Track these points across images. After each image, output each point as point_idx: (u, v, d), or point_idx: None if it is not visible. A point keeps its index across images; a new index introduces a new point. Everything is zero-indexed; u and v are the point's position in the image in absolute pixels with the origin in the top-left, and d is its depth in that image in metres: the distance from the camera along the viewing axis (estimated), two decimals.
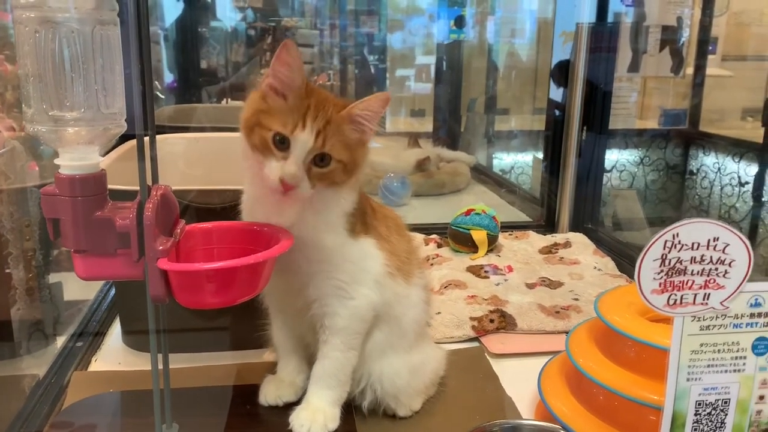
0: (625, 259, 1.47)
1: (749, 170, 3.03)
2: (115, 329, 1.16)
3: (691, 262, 0.60)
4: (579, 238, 1.57)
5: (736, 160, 3.11)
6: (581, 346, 0.90)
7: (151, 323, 0.72)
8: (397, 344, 0.89)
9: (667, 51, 3.56)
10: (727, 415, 0.65)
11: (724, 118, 3.55)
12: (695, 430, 0.65)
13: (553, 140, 1.73)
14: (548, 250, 1.51)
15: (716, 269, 0.60)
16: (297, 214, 0.79)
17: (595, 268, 1.41)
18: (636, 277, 0.60)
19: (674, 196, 3.38)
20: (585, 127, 1.68)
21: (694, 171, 3.37)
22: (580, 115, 1.67)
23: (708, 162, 3.29)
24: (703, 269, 0.60)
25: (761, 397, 0.65)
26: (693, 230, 0.59)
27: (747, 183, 3.02)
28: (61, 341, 1.12)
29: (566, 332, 1.15)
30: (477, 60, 3.20)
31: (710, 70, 3.43)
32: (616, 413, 0.82)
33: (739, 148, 3.10)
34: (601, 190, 1.75)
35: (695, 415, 0.64)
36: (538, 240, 1.58)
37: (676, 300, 0.61)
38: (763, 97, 3.40)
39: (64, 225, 0.69)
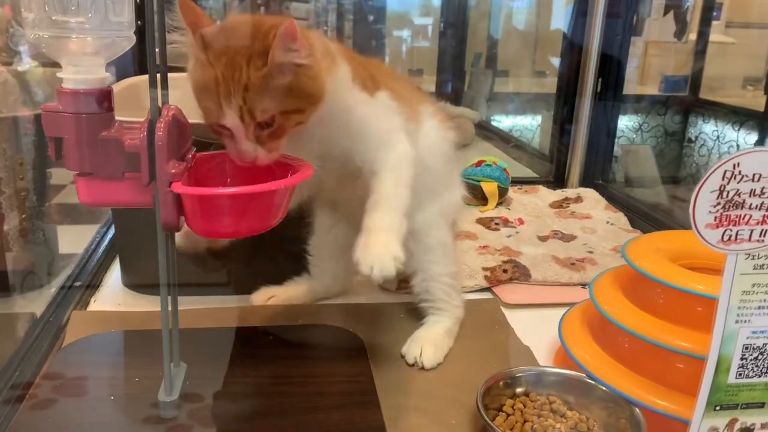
0: (638, 215, 1.43)
1: (749, 139, 3.00)
2: (114, 271, 1.11)
3: (750, 195, 0.56)
4: (590, 194, 1.53)
5: (736, 129, 3.08)
6: (606, 293, 0.86)
7: (161, 257, 0.68)
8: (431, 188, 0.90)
9: (671, 16, 3.50)
10: None
11: (725, 85, 3.51)
12: (740, 375, 0.61)
13: (565, 97, 1.69)
14: (559, 205, 1.47)
15: None
16: (315, 133, 0.76)
17: (607, 222, 1.38)
18: (691, 210, 0.56)
19: (672, 163, 3.35)
20: (600, 83, 1.63)
21: (693, 138, 3.34)
22: (595, 72, 1.62)
23: (707, 130, 3.25)
24: (762, 203, 0.56)
25: None
26: (756, 160, 0.55)
27: None
28: (57, 282, 1.07)
29: (582, 284, 1.12)
30: (481, 20, 3.14)
31: (713, 37, 3.37)
32: (643, 360, 0.79)
33: (739, 116, 3.07)
34: (613, 146, 1.71)
35: (741, 359, 0.61)
36: (548, 194, 1.54)
37: (731, 236, 0.57)
38: (764, 66, 3.37)
39: (67, 145, 0.63)
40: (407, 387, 0.83)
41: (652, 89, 3.42)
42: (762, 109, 2.99)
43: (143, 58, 1.60)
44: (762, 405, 0.63)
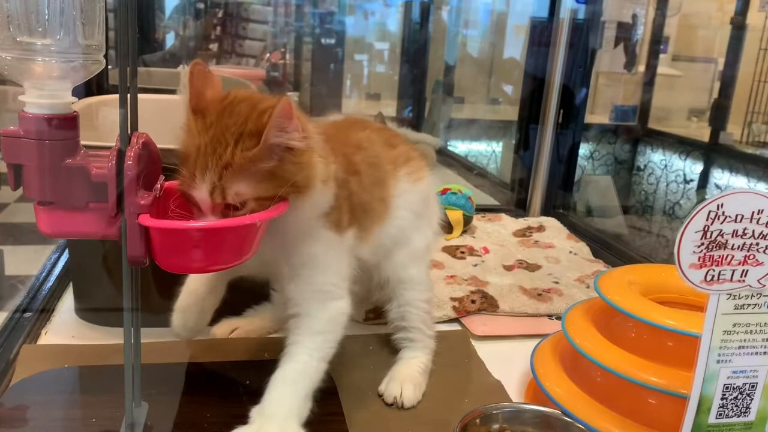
0: (600, 245, 1.45)
1: (695, 168, 3.11)
2: (67, 301, 1.06)
3: (732, 236, 0.56)
4: (552, 223, 1.54)
5: (683, 158, 3.18)
6: (578, 326, 0.86)
7: (126, 293, 0.64)
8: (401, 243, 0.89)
9: (621, 48, 3.62)
10: (752, 399, 0.61)
11: (672, 116, 3.64)
12: (720, 415, 0.61)
13: (527, 127, 1.71)
14: (522, 234, 1.48)
15: (757, 244, 0.57)
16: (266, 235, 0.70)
17: (570, 252, 1.39)
18: (676, 250, 0.56)
19: (622, 191, 3.43)
20: (561, 113, 1.66)
21: (642, 167, 3.44)
22: (557, 102, 1.65)
23: (655, 159, 3.36)
24: (744, 243, 0.57)
25: None
26: (738, 201, 0.55)
27: (692, 180, 3.09)
28: (3, 315, 1.01)
29: (549, 315, 1.12)
30: (438, 47, 3.17)
31: (661, 69, 3.50)
32: (616, 395, 0.79)
33: (685, 146, 3.17)
34: (575, 175, 1.73)
35: (722, 399, 0.61)
36: (511, 223, 1.54)
37: (713, 276, 0.57)
38: (707, 98, 3.50)
39: (28, 172, 0.60)
40: (380, 425, 0.80)
41: (603, 118, 3.52)
42: (707, 139, 3.10)
43: (98, 78, 1.56)
44: None
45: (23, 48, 0.57)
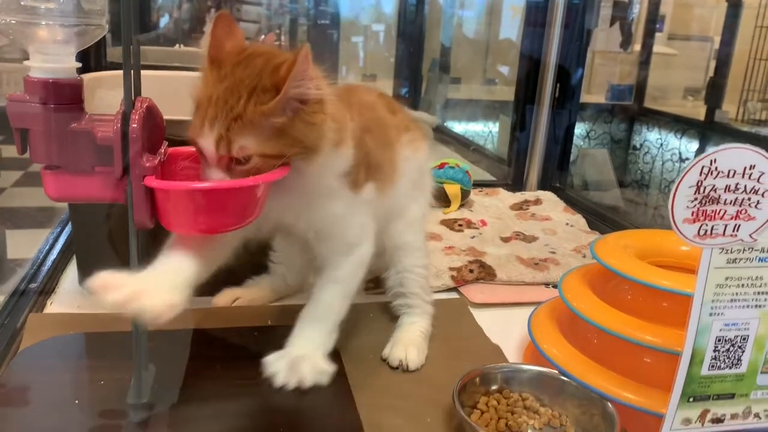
0: (596, 217, 1.46)
1: (690, 146, 3.12)
2: (70, 273, 1.07)
3: (725, 191, 0.58)
4: (548, 196, 1.56)
5: (678, 137, 3.19)
6: (575, 290, 0.88)
7: (132, 256, 0.65)
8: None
9: (617, 26, 3.61)
10: (744, 351, 0.63)
11: (668, 95, 3.64)
12: (713, 367, 0.63)
13: (523, 106, 1.72)
14: (519, 207, 1.50)
15: (749, 199, 0.58)
16: (285, 197, 0.72)
17: (567, 224, 1.40)
18: (670, 205, 0.58)
19: (617, 170, 3.45)
20: (558, 90, 1.67)
21: (638, 146, 3.45)
22: (553, 81, 1.66)
23: (651, 138, 3.36)
24: (736, 198, 0.58)
25: None
26: (731, 156, 0.57)
27: (687, 159, 3.10)
28: (11, 284, 1.02)
29: (545, 284, 1.14)
30: (434, 28, 3.17)
31: (657, 48, 3.50)
32: (612, 355, 0.80)
33: (681, 124, 3.18)
34: (570, 151, 1.75)
35: (714, 351, 0.62)
36: (508, 197, 1.56)
37: (706, 230, 0.59)
38: (703, 77, 3.51)
39: (34, 137, 0.61)
40: (381, 387, 0.82)
41: (599, 98, 3.52)
42: (702, 118, 3.11)
43: (96, 54, 1.56)
44: (732, 396, 0.65)
45: (27, 12, 0.58)
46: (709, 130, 3.06)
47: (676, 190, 0.57)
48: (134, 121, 0.60)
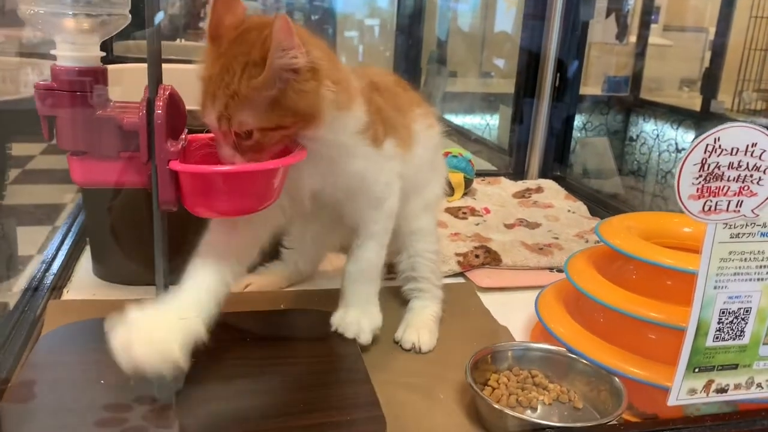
0: (597, 204, 1.49)
1: (686, 137, 3.15)
2: (84, 262, 1.09)
3: (728, 168, 0.60)
4: (550, 184, 1.58)
5: (675, 128, 3.21)
6: (581, 270, 0.90)
7: (157, 239, 0.68)
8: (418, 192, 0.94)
9: (612, 18, 3.63)
10: (747, 323, 0.66)
11: (663, 86, 3.66)
12: (717, 338, 0.66)
13: (523, 95, 1.75)
14: (521, 195, 1.52)
15: (751, 176, 0.61)
16: (310, 166, 0.74)
17: (568, 211, 1.43)
18: (676, 181, 0.60)
19: (615, 161, 3.47)
20: (558, 80, 1.70)
21: (634, 137, 3.47)
22: (553, 72, 1.69)
23: (647, 129, 3.39)
24: (739, 175, 0.61)
25: None
26: (733, 134, 0.59)
27: (684, 149, 3.12)
28: (24, 276, 1.04)
29: (550, 268, 1.17)
30: (430, 21, 3.19)
31: (652, 39, 3.52)
32: (617, 332, 0.83)
33: (677, 115, 3.20)
34: (571, 140, 1.78)
35: (718, 323, 0.65)
36: (510, 186, 1.58)
37: (711, 206, 0.61)
38: (699, 68, 3.53)
39: (61, 123, 0.63)
40: (393, 366, 0.85)
41: (595, 89, 3.54)
42: (698, 108, 3.14)
43: (104, 48, 1.58)
44: (735, 366, 0.68)
45: (55, 2, 0.60)
46: (705, 121, 3.08)
47: (681, 168, 0.59)
48: (159, 107, 0.62)
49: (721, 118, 3.04)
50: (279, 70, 0.65)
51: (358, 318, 0.84)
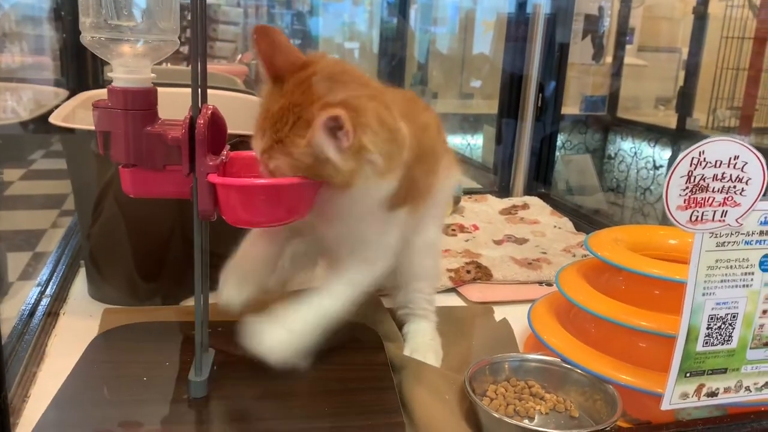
0: (581, 219, 1.53)
1: (663, 154, 3.22)
2: (78, 284, 1.10)
3: (713, 180, 0.64)
4: (535, 201, 1.62)
5: (652, 145, 3.29)
6: (572, 282, 0.93)
7: (197, 249, 0.71)
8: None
9: (588, 39, 3.71)
10: (734, 328, 0.69)
11: (640, 105, 3.74)
12: (706, 343, 0.68)
13: (507, 112, 1.80)
14: (508, 212, 1.55)
15: (734, 187, 0.64)
16: (325, 210, 0.75)
17: (554, 226, 1.46)
18: (664, 193, 0.63)
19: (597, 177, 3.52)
20: (541, 100, 1.75)
21: (613, 155, 3.54)
22: (535, 92, 1.74)
23: (625, 147, 3.45)
24: (723, 186, 0.64)
25: (765, 312, 0.69)
26: (717, 148, 0.63)
27: (661, 166, 3.19)
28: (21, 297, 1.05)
29: (539, 282, 1.19)
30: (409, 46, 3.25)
31: (627, 60, 3.60)
32: (609, 341, 0.85)
33: (653, 133, 3.28)
34: (554, 158, 1.82)
35: (707, 329, 0.68)
36: (496, 203, 1.62)
37: (697, 216, 0.64)
38: (673, 87, 3.62)
39: (115, 138, 0.68)
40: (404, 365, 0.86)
41: (573, 109, 3.61)
42: (674, 126, 3.21)
43: (94, 72, 1.60)
44: (724, 371, 0.70)
45: (113, 30, 0.65)
46: (681, 138, 3.14)
47: (669, 180, 0.63)
48: (200, 125, 0.65)
49: (696, 136, 3.11)
50: (320, 146, 0.66)
51: (271, 332, 0.75)
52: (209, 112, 0.67)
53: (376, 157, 0.70)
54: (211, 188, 0.67)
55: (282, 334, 0.75)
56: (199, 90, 0.67)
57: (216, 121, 0.70)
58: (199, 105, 0.67)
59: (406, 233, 0.86)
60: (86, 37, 0.66)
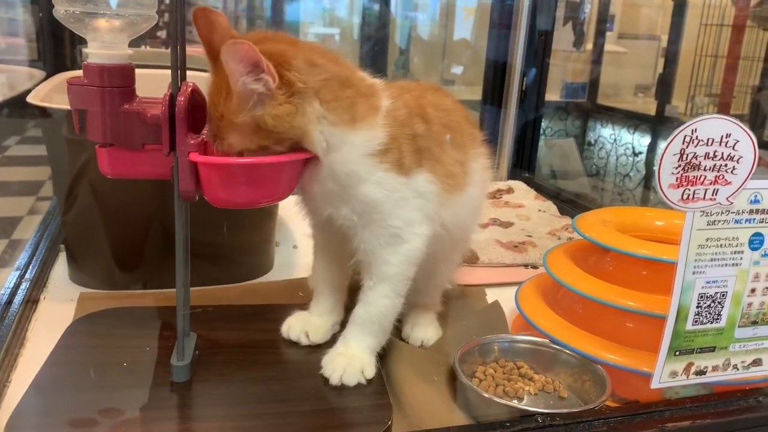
0: (565, 203, 1.53)
1: (643, 141, 3.24)
2: (59, 267, 1.08)
3: (705, 158, 0.63)
4: (520, 185, 1.62)
5: (631, 132, 3.31)
6: (559, 263, 0.93)
7: (178, 232, 0.69)
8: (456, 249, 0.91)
9: (569, 26, 3.71)
10: (723, 307, 0.69)
11: (620, 92, 3.77)
12: (696, 322, 0.69)
13: (491, 99, 1.79)
14: (493, 196, 1.55)
15: (725, 165, 0.64)
16: (319, 187, 0.73)
17: (539, 210, 1.46)
18: (656, 171, 0.63)
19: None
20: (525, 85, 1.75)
21: (593, 141, 3.56)
22: (519, 78, 1.74)
23: (605, 133, 3.47)
24: (714, 165, 0.64)
25: (753, 290, 0.70)
26: (709, 126, 0.63)
27: (640, 153, 3.22)
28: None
29: (525, 265, 1.19)
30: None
31: (608, 47, 3.62)
32: (596, 322, 0.86)
33: (633, 120, 3.30)
34: (538, 143, 1.82)
35: (697, 307, 0.68)
36: None
37: (689, 195, 0.64)
38: (653, 74, 3.64)
39: (91, 116, 0.66)
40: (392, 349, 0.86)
41: (554, 96, 3.61)
42: (653, 113, 3.24)
43: (72, 54, 1.56)
44: (713, 349, 0.71)
45: (87, 2, 0.64)
46: (660, 125, 3.17)
47: (662, 158, 0.62)
48: (180, 102, 0.64)
49: (675, 123, 3.14)
50: (246, 94, 0.66)
51: (344, 365, 0.76)
52: (189, 89, 0.65)
53: (316, 103, 0.68)
54: (192, 168, 0.65)
55: (349, 367, 0.76)
56: (179, 70, 0.65)
57: (196, 99, 0.68)
58: (179, 83, 0.65)
59: (444, 216, 0.81)
60: (60, 11, 0.64)
